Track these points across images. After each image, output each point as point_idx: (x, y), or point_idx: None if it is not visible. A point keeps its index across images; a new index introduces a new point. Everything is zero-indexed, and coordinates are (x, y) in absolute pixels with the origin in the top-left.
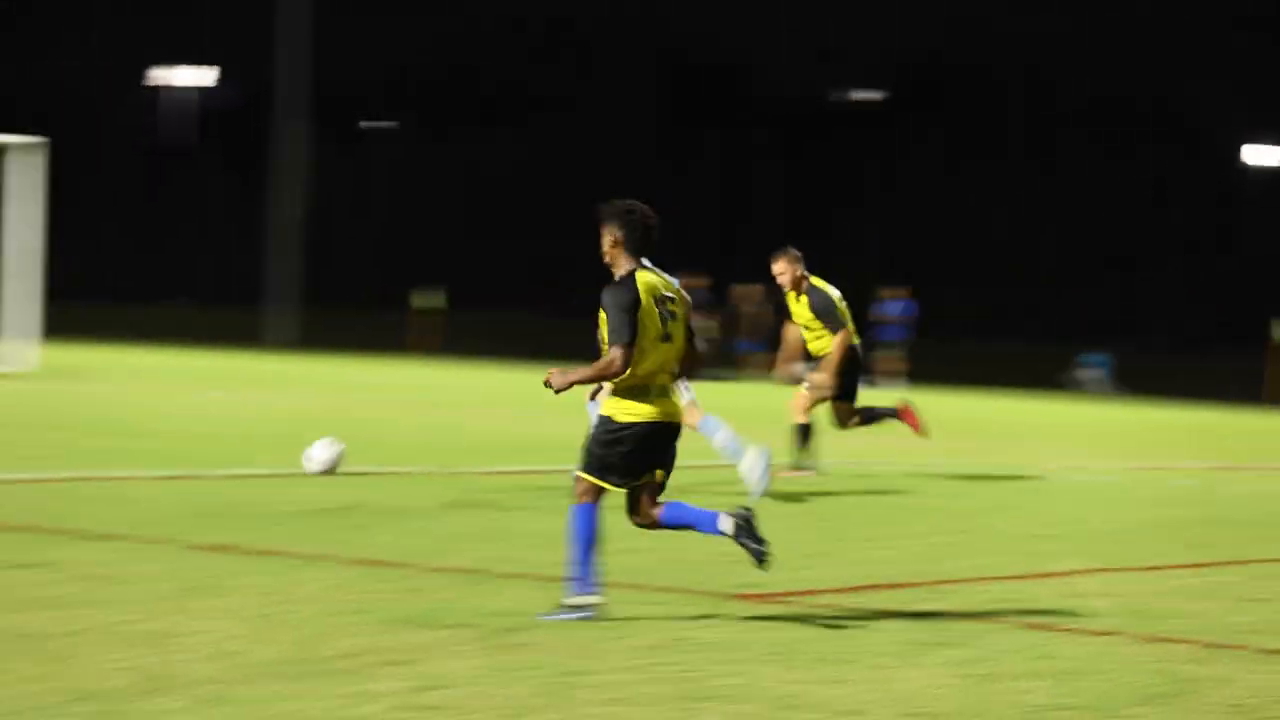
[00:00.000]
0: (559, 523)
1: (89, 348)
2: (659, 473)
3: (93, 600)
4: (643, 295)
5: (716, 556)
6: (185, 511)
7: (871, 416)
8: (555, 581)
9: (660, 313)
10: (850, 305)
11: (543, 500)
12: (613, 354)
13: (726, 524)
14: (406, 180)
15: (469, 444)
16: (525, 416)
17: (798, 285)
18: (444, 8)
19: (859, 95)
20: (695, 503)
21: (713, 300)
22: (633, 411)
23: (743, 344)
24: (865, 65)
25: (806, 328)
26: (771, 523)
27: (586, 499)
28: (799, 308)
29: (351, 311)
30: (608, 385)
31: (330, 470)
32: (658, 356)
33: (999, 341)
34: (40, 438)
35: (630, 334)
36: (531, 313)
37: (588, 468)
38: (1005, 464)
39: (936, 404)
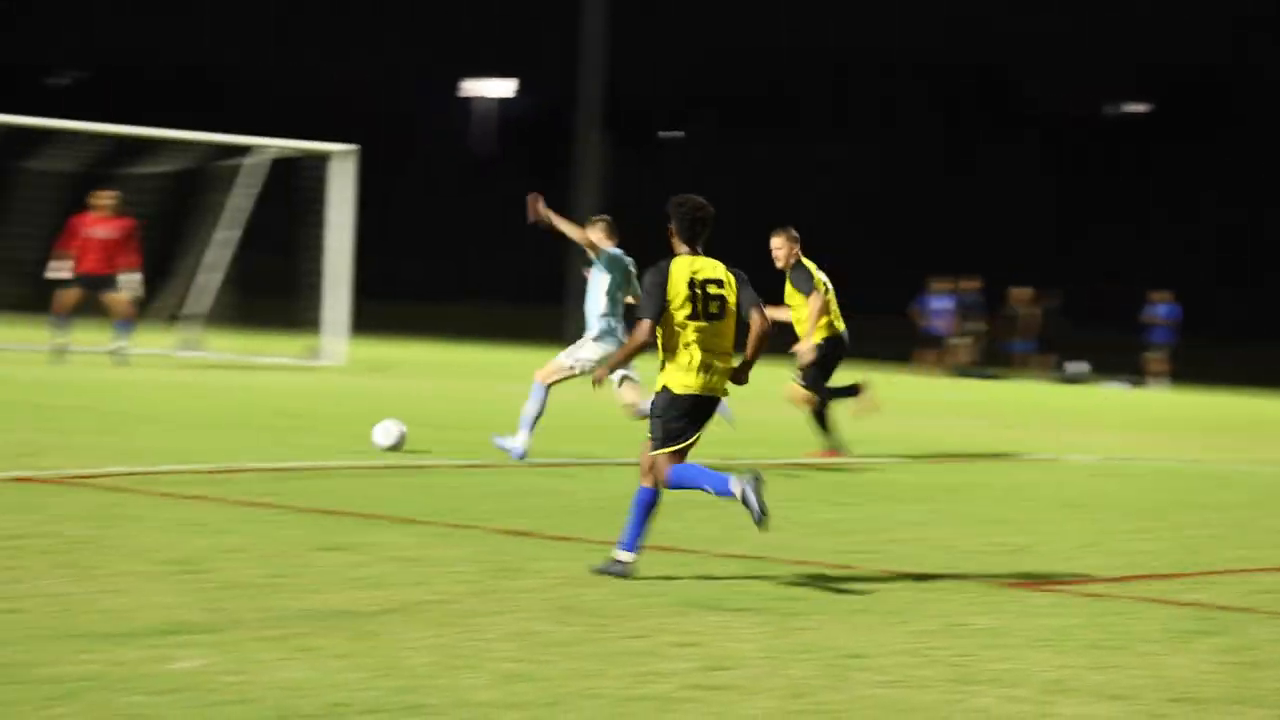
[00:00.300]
0: (839, 514)
1: (397, 344)
2: (697, 438)
3: (401, 581)
4: (674, 277)
5: (989, 547)
6: (488, 499)
7: (831, 395)
8: (837, 569)
9: (692, 294)
10: (1121, 310)
11: (821, 492)
12: (639, 326)
13: (736, 486)
14: (697, 186)
15: (751, 436)
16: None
17: (790, 263)
18: (727, 24)
19: (1129, 108)
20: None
21: (984, 303)
22: (681, 383)
23: (1017, 344)
24: (1133, 77)
25: (792, 305)
26: (1039, 514)
27: (669, 462)
28: (789, 286)
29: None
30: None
31: (395, 447)
32: (693, 333)
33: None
34: (350, 429)
35: (653, 310)
36: None
37: (660, 445)
38: (1269, 459)
39: (1199, 403)
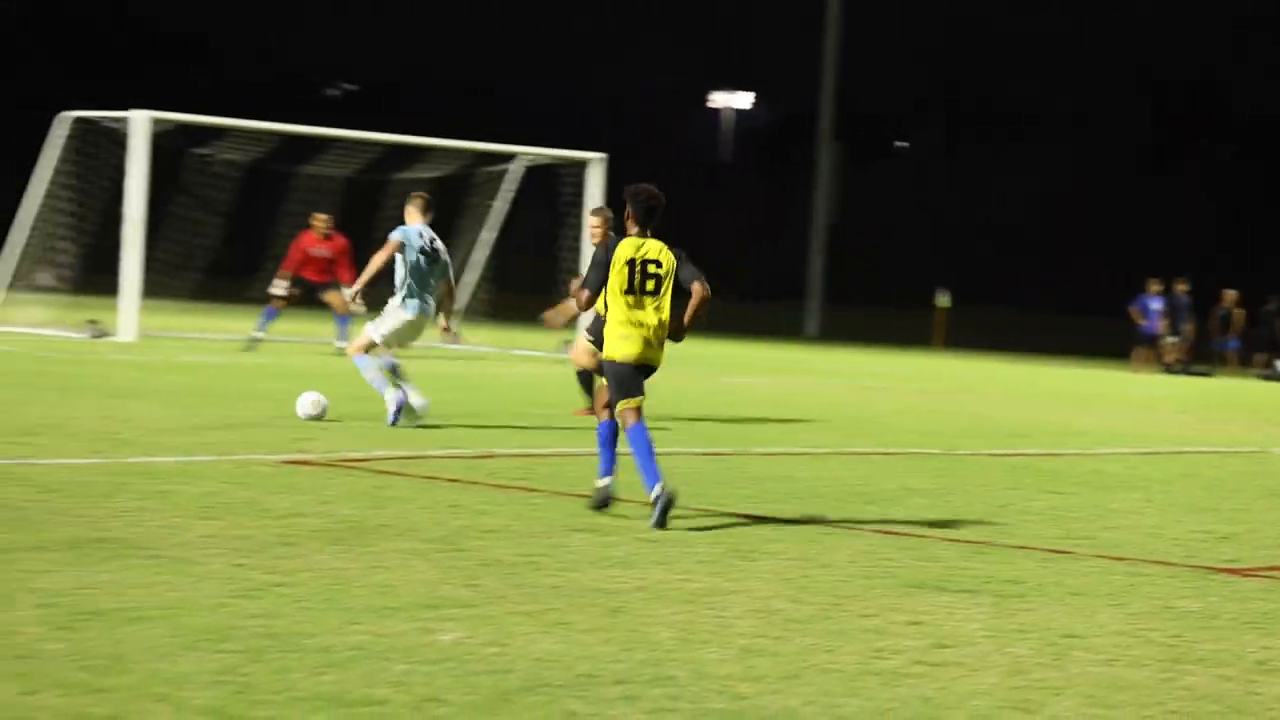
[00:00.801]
0: (1056, 501)
1: None
2: (643, 397)
3: (647, 561)
4: (616, 256)
5: (1198, 534)
6: (726, 485)
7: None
8: (1055, 553)
9: (631, 272)
10: None
11: (1039, 481)
12: (580, 293)
13: (657, 491)
14: (924, 193)
15: (965, 427)
16: (1026, 403)
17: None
18: (957, 37)
19: None
20: None
21: (1191, 303)
22: (622, 352)
23: (1226, 343)
24: None
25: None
26: (1246, 504)
27: (632, 419)
28: None
29: (873, 308)
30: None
31: (316, 416)
32: (626, 307)
33: None
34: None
35: (594, 282)
36: (1033, 310)
37: (620, 398)
38: None
39: None
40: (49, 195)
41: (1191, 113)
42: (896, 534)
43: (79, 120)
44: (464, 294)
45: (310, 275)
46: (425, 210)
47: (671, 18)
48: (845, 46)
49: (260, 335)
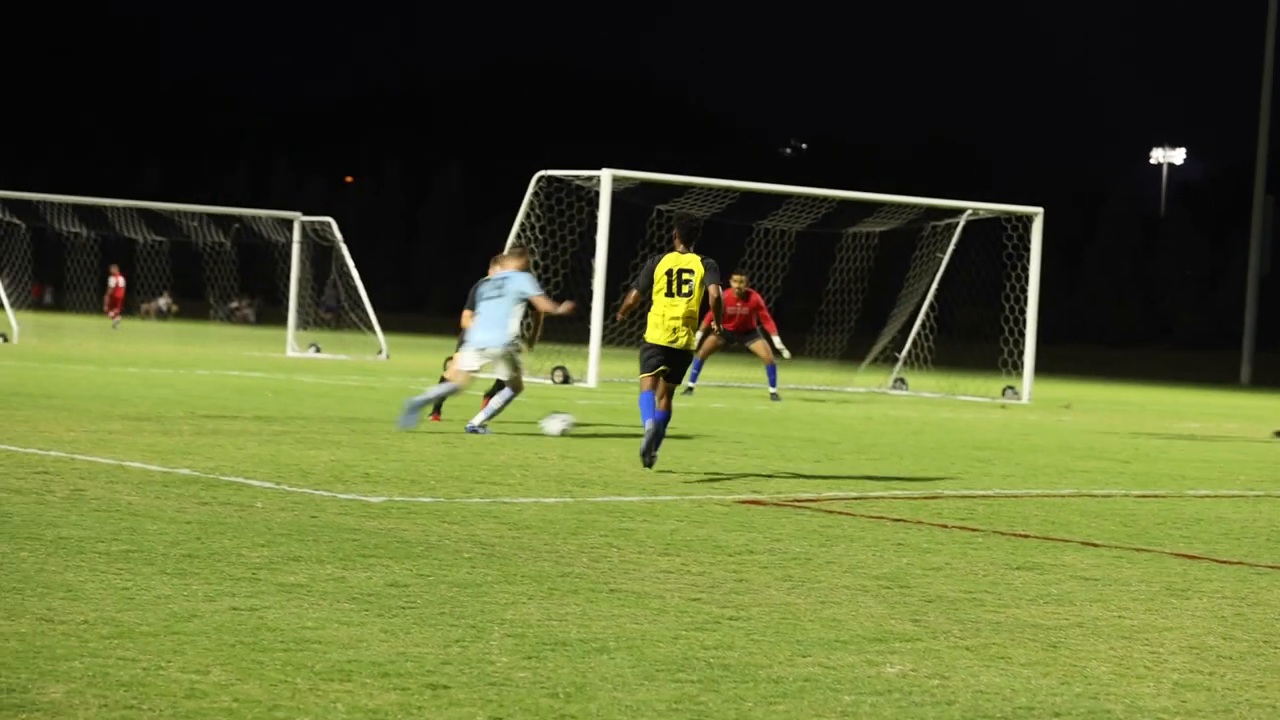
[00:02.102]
0: None
1: (1080, 384)
2: (663, 369)
3: (1084, 598)
4: (659, 265)
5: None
6: (1162, 525)
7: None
8: None
9: (669, 279)
10: None
11: None
12: (628, 293)
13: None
14: None
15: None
16: None
17: None
18: None
19: None
20: None
21: None
22: (650, 336)
23: None
24: None
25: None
26: None
27: (645, 387)
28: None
29: None
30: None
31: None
32: (663, 306)
33: None
34: (1035, 460)
35: (642, 283)
36: None
37: (642, 370)
38: None
39: None
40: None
41: None
42: None
43: (550, 178)
44: (909, 343)
45: (730, 327)
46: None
47: (1115, 78)
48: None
49: (692, 385)
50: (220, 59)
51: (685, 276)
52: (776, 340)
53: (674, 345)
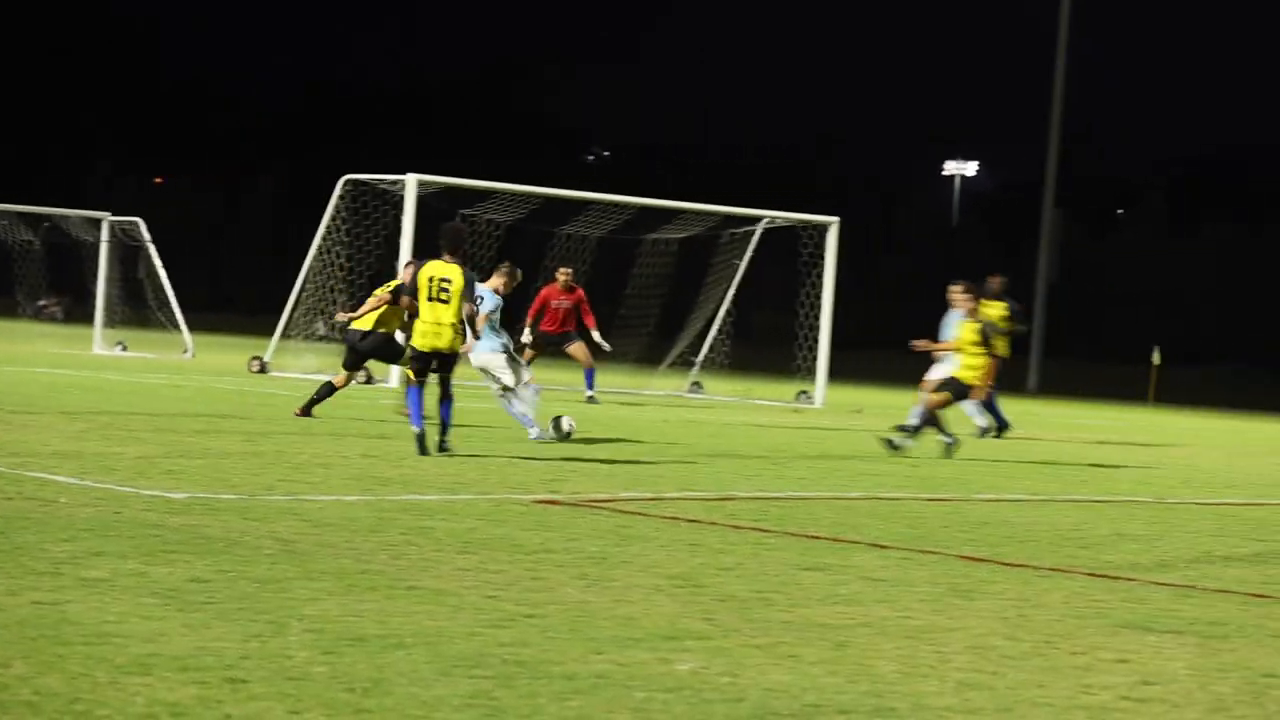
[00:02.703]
0: (1260, 548)
1: (874, 389)
2: (431, 370)
3: (871, 599)
4: (422, 272)
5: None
6: (948, 528)
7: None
8: (1258, 597)
9: (430, 286)
10: None
11: (1244, 529)
12: (404, 299)
13: (419, 425)
14: (1145, 258)
15: (1177, 477)
16: (1237, 456)
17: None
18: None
19: None
20: None
21: None
22: (415, 341)
23: None
24: None
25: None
26: None
27: (411, 383)
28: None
29: (1093, 364)
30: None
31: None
32: (425, 311)
33: None
34: (827, 464)
35: (408, 289)
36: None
37: (408, 366)
38: None
39: None
40: (326, 251)
41: None
42: (1108, 576)
43: (356, 182)
44: (706, 348)
45: (546, 327)
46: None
47: (904, 92)
48: (1069, 118)
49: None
50: None
51: (444, 284)
52: (595, 334)
53: (439, 348)
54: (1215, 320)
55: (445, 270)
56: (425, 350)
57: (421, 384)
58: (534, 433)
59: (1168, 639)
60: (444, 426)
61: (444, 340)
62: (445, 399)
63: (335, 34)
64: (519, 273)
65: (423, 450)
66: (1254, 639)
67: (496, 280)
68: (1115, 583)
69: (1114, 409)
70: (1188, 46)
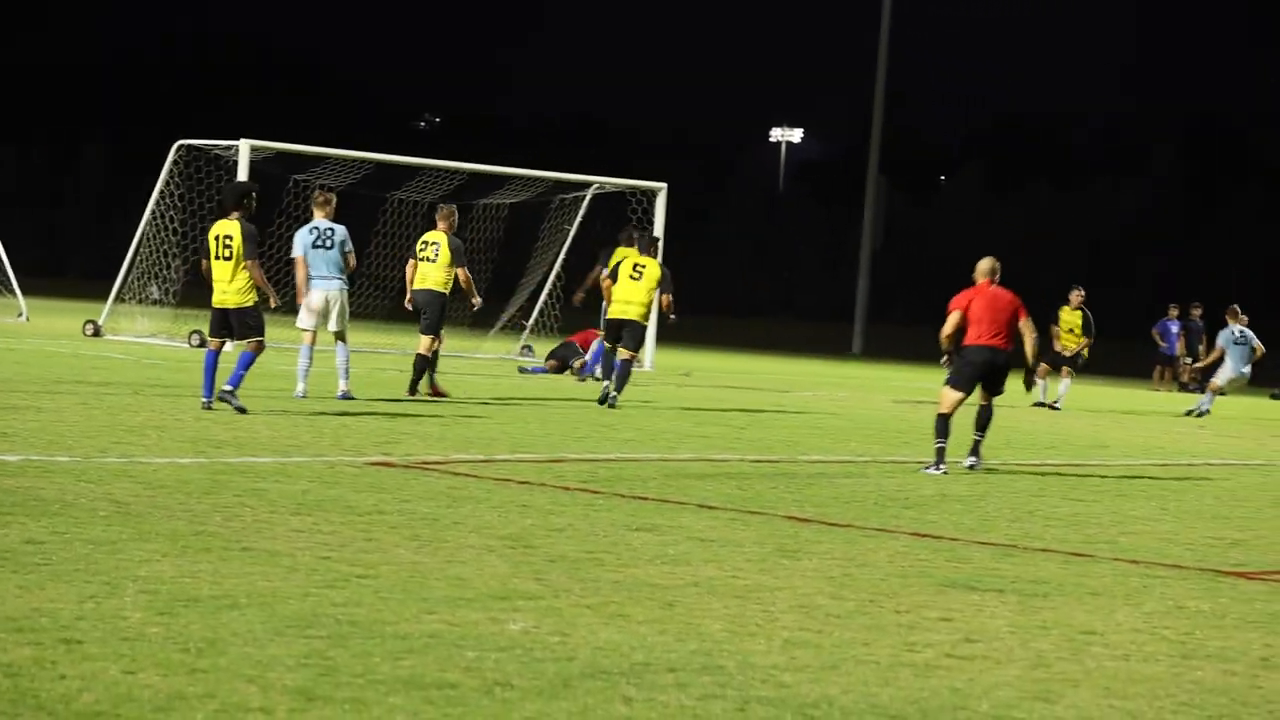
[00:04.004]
0: (1078, 508)
1: (703, 354)
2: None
3: (700, 559)
4: (210, 234)
5: (1209, 540)
6: (775, 489)
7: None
8: (1076, 556)
9: (216, 245)
10: None
11: (1062, 489)
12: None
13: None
14: (965, 224)
15: (999, 439)
16: (1057, 418)
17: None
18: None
19: None
20: None
21: (1204, 327)
22: (214, 301)
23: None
24: None
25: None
26: (1254, 513)
27: (212, 347)
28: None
29: (916, 327)
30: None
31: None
32: (217, 270)
33: None
34: (657, 425)
35: (205, 252)
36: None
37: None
38: None
39: None
40: (159, 216)
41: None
42: (932, 536)
43: (189, 147)
44: (535, 312)
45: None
46: (322, 207)
47: (733, 56)
48: (892, 86)
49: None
50: None
51: (227, 242)
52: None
53: (225, 306)
54: (1030, 281)
55: (228, 228)
56: (217, 308)
57: (215, 349)
58: (301, 388)
59: (990, 597)
60: (235, 376)
61: (230, 299)
62: (248, 353)
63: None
64: (333, 197)
65: (207, 406)
66: (1073, 596)
67: (317, 212)
68: (939, 542)
69: (936, 372)
70: (1004, 13)
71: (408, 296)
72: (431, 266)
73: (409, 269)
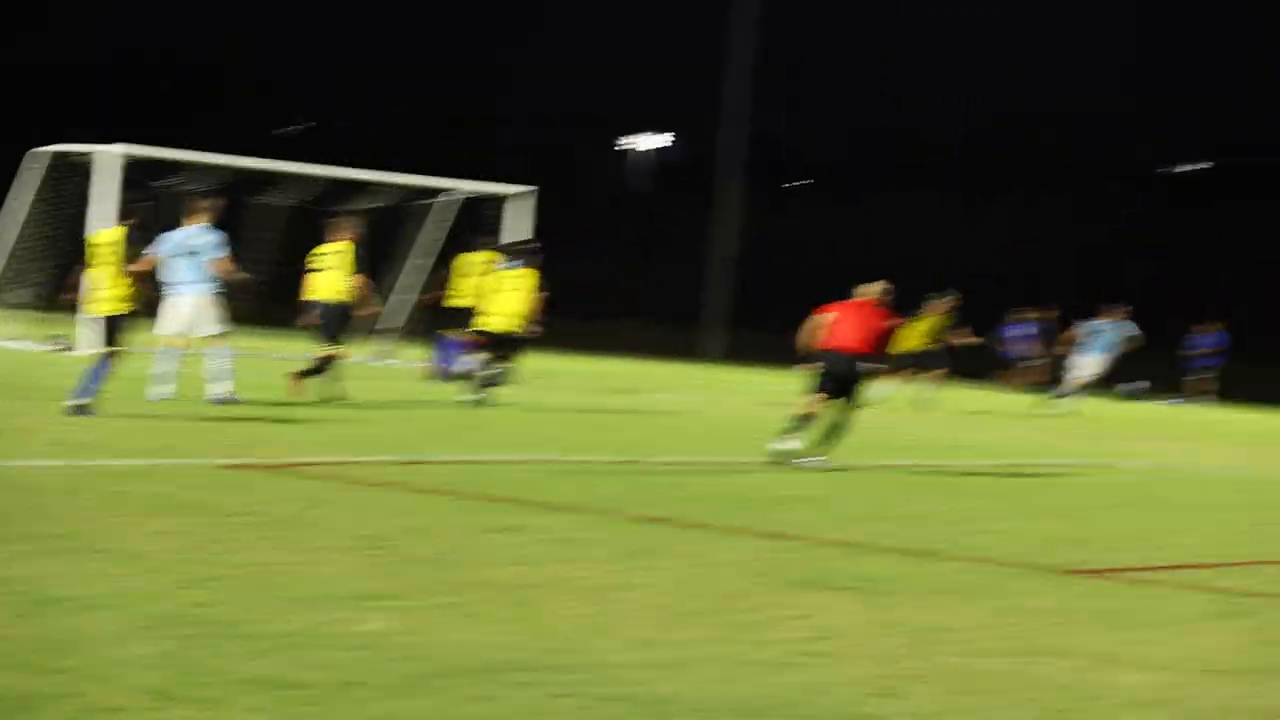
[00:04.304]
0: (925, 507)
1: (561, 357)
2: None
3: (553, 559)
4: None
5: (1053, 538)
6: (630, 491)
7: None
8: (923, 554)
9: (96, 252)
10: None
11: (910, 489)
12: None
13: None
14: (819, 230)
15: (858, 441)
16: (917, 420)
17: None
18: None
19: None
20: None
21: (1058, 329)
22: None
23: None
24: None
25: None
26: (1097, 511)
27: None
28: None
29: (770, 333)
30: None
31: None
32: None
33: None
34: (515, 430)
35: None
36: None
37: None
38: None
39: (1244, 419)
40: (27, 222)
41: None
42: (784, 537)
43: (53, 154)
44: (399, 317)
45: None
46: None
47: (594, 56)
48: (756, 90)
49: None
50: None
51: (102, 249)
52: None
53: (106, 314)
54: (1014, 285)
55: (110, 235)
56: (95, 315)
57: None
58: (163, 391)
59: (839, 595)
60: (88, 388)
61: (105, 306)
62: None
63: (35, 6)
64: (206, 202)
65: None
66: (918, 594)
67: (188, 218)
68: (790, 542)
69: (795, 375)
70: (861, 19)
71: (308, 308)
72: (331, 275)
73: (307, 280)
